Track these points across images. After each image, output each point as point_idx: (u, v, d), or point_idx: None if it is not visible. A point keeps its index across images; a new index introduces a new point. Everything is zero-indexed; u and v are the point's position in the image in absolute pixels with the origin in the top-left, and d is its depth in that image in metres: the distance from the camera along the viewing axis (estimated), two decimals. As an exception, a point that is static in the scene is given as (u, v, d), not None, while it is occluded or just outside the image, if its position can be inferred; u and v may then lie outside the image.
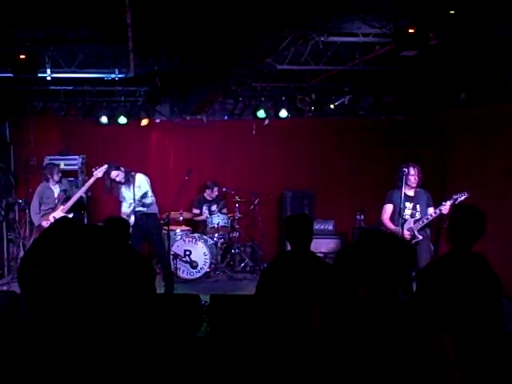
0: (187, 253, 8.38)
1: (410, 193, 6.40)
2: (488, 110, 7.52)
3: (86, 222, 8.74)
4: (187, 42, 6.42)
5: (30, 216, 7.98)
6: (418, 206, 6.36)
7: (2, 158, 8.80)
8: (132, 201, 7.34)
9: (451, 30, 5.37)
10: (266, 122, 9.67)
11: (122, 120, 9.04)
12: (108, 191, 7.57)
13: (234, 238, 9.02)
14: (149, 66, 7.17)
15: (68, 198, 7.50)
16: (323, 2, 4.42)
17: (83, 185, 7.70)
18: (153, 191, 7.55)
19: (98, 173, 7.28)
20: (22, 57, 5.94)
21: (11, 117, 9.15)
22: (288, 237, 3.93)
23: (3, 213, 8.70)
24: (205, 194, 9.34)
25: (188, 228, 8.91)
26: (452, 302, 3.01)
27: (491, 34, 5.95)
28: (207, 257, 8.39)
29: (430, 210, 6.29)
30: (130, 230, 5.61)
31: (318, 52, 6.64)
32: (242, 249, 9.20)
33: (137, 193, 7.33)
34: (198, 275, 8.41)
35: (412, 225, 6.31)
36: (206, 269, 8.43)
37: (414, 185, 6.36)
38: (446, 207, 5.98)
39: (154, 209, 7.59)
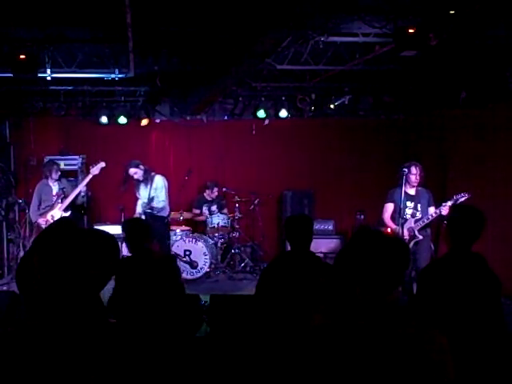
0: (187, 253, 8.38)
1: (412, 192, 6.38)
2: (488, 110, 7.51)
3: (85, 222, 8.74)
4: (187, 42, 6.42)
5: (29, 215, 7.98)
6: (419, 205, 6.34)
7: (2, 158, 8.79)
8: (146, 200, 7.41)
9: (451, 30, 5.37)
10: (266, 121, 9.67)
11: (122, 120, 9.04)
12: (124, 188, 7.60)
13: (233, 238, 9.02)
14: (149, 65, 7.17)
15: (66, 197, 7.51)
16: (323, 2, 4.42)
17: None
18: (169, 194, 7.58)
19: (95, 170, 7.28)
20: (21, 57, 5.94)
21: (11, 117, 9.15)
22: (288, 237, 3.93)
23: (3, 213, 8.70)
24: (205, 194, 9.33)
25: (188, 228, 8.91)
26: (452, 303, 3.02)
27: (491, 34, 5.96)
28: (207, 257, 8.39)
29: (431, 210, 6.27)
30: None
31: (317, 52, 6.64)
32: (242, 249, 9.19)
33: (152, 194, 7.38)
34: (198, 275, 8.41)
35: (412, 224, 6.29)
36: (206, 269, 8.43)
37: (416, 184, 6.34)
38: (446, 208, 5.95)
39: (164, 212, 7.65)
